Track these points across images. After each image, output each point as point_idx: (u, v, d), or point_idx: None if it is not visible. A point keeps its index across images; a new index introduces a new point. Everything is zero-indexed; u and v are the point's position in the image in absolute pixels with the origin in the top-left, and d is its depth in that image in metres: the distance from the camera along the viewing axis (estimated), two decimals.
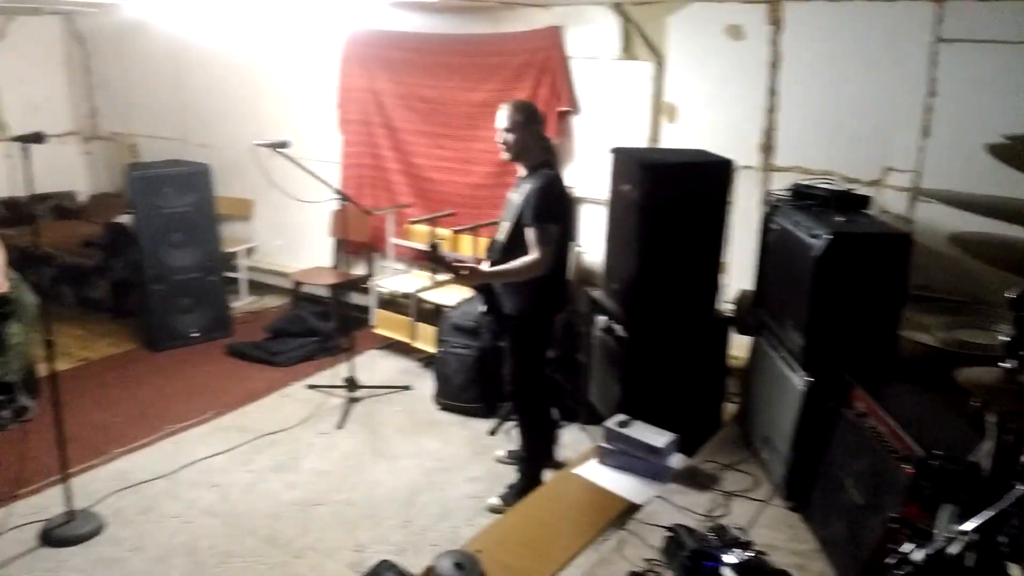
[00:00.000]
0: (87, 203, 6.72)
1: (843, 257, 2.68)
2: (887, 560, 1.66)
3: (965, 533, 1.53)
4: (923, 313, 3.18)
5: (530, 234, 3.11)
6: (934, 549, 1.55)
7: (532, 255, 3.09)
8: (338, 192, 4.17)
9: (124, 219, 5.62)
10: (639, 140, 4.35)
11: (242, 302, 5.99)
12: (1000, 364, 1.53)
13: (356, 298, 5.53)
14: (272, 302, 6.08)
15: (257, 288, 6.19)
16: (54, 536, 3.16)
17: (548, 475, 3.47)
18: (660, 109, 4.31)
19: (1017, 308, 1.54)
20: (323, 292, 5.60)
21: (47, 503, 3.36)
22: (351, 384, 4.39)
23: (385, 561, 2.42)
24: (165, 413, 4.25)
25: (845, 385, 2.60)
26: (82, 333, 5.29)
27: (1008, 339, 1.54)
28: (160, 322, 5.13)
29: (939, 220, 3.43)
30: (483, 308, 3.35)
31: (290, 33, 5.48)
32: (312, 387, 4.60)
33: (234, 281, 5.94)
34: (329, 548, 3.17)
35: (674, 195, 3.39)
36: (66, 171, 6.55)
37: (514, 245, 3.19)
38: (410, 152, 5.27)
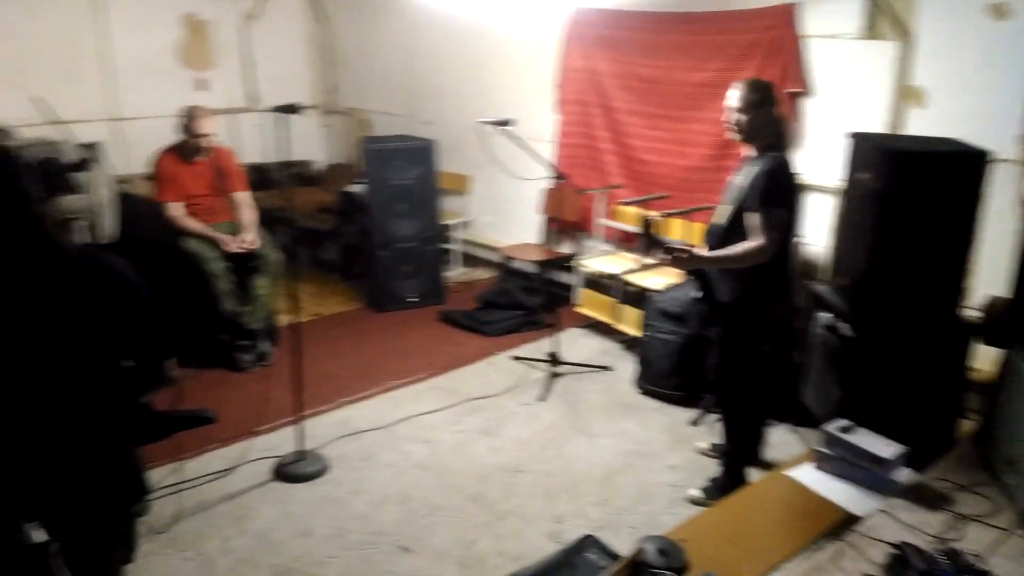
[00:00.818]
0: (323, 172, 7.34)
1: None
2: None
3: None
4: None
5: (754, 219, 2.97)
6: None
7: (755, 241, 2.96)
8: (554, 171, 4.23)
9: (355, 188, 6.08)
10: (877, 126, 4.02)
11: (455, 272, 6.30)
12: None
13: (562, 276, 5.62)
14: (482, 274, 6.34)
15: (469, 260, 6.48)
16: (285, 472, 3.51)
17: (753, 474, 3.36)
18: (905, 93, 3.96)
19: None
20: (530, 268, 5.75)
21: (280, 441, 3.73)
22: (554, 359, 4.48)
23: (589, 537, 2.45)
24: (385, 370, 4.58)
25: None
26: (315, 291, 5.81)
27: None
28: (383, 286, 5.51)
29: None
30: (697, 294, 3.27)
31: (514, 13, 5.62)
32: (517, 358, 4.75)
33: (449, 252, 6.25)
34: (529, 515, 3.27)
35: (919, 186, 3.09)
36: (307, 142, 7.18)
37: (733, 230, 3.07)
38: (625, 133, 5.25)
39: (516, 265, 5.79)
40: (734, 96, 3.08)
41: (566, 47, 5.42)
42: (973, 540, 2.46)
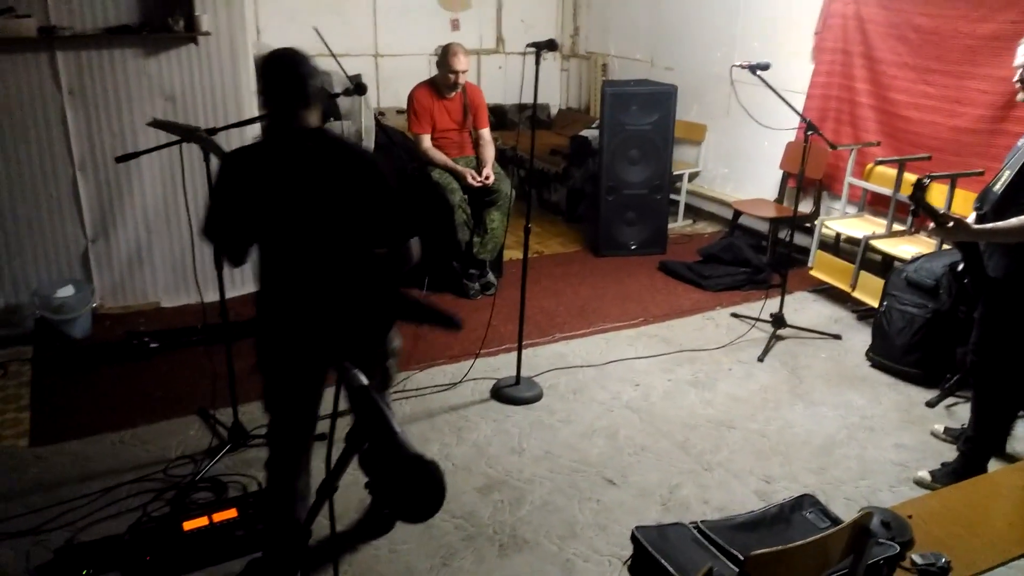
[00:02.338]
0: (557, 116, 7.48)
1: None
2: None
3: None
4: None
5: None
6: None
7: None
8: (807, 123, 3.99)
9: (588, 133, 6.15)
10: None
11: (679, 224, 6.20)
12: None
13: (797, 236, 5.33)
14: (705, 228, 6.19)
15: (694, 212, 6.35)
16: (503, 394, 3.71)
17: (993, 465, 3.05)
18: None
19: None
20: (761, 225, 5.52)
21: (500, 365, 3.95)
22: (778, 321, 4.30)
23: (809, 496, 2.37)
24: (600, 311, 4.66)
25: None
26: (539, 230, 6.00)
27: None
28: (605, 230, 5.56)
29: None
30: (960, 266, 2.97)
31: None
32: (736, 316, 4.62)
33: (675, 203, 6.15)
34: (737, 470, 3.21)
35: None
36: (544, 85, 7.33)
37: (1014, 199, 2.74)
38: (888, 86, 4.83)
39: (745, 221, 5.57)
40: None
41: None
42: None
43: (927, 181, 2.85)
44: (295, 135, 2.20)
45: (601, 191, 5.50)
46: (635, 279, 5.18)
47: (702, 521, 2.35)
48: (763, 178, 5.64)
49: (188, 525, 2.63)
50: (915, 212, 2.82)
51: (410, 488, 1.14)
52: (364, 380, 1.23)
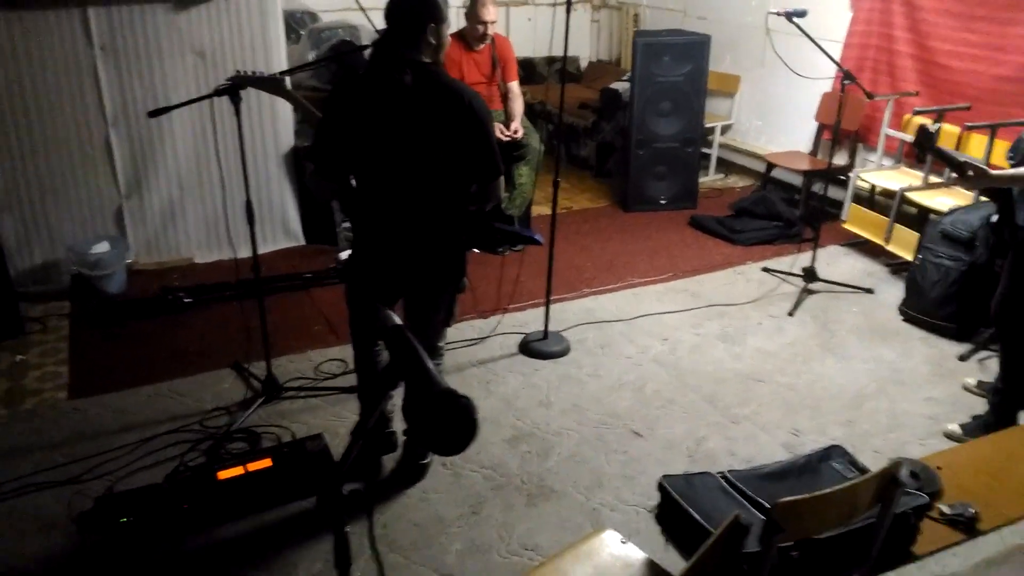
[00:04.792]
0: (587, 69, 7.36)
1: None
2: None
3: None
4: None
5: None
6: None
7: None
8: (844, 72, 3.89)
9: (618, 86, 6.05)
10: None
11: (709, 178, 6.12)
12: None
13: (830, 189, 5.24)
14: (737, 181, 6.10)
15: (725, 166, 6.25)
16: (531, 348, 3.73)
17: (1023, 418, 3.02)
18: None
19: None
20: (794, 178, 5.43)
21: (528, 320, 3.97)
22: (809, 275, 4.25)
23: (837, 446, 2.38)
24: (629, 266, 4.64)
25: None
26: (567, 185, 5.95)
27: None
28: (635, 185, 5.50)
29: None
30: (994, 217, 2.91)
31: None
32: (767, 270, 4.58)
33: (706, 156, 6.06)
34: (765, 423, 3.22)
35: None
36: (574, 37, 7.18)
37: None
38: (928, 34, 4.68)
39: (778, 174, 5.48)
40: None
41: None
42: None
43: (933, 128, 2.75)
44: (397, 66, 2.30)
45: (631, 145, 5.43)
46: (664, 234, 5.14)
47: (729, 471, 2.38)
48: (797, 130, 5.52)
49: (223, 474, 2.70)
50: (921, 158, 2.75)
51: (443, 422, 1.17)
52: (397, 320, 1.26)
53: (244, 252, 4.04)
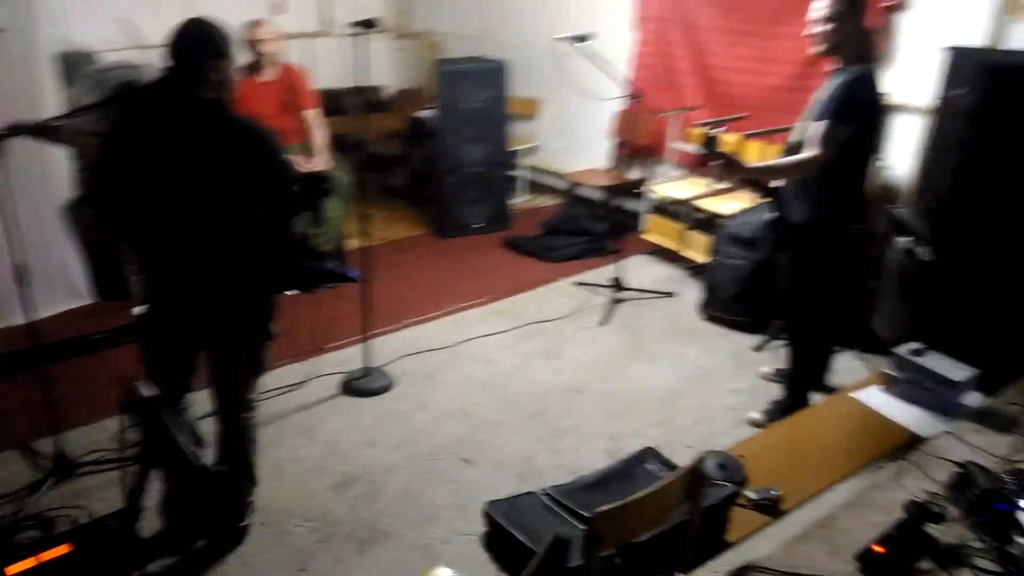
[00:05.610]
0: (394, 97, 7.34)
1: None
2: None
3: None
4: None
5: (817, 129, 2.81)
6: None
7: (810, 152, 2.80)
8: (627, 90, 4.12)
9: (425, 113, 6.08)
10: (977, 40, 3.75)
11: (521, 199, 6.27)
12: None
13: (630, 202, 5.54)
14: (548, 201, 6.30)
15: (536, 187, 6.44)
16: (353, 387, 3.62)
17: (816, 398, 3.30)
18: (1011, 5, 3.66)
19: None
20: (597, 194, 5.68)
21: (348, 358, 3.84)
22: (617, 285, 4.45)
23: (649, 448, 2.47)
24: (449, 292, 4.64)
25: None
26: (382, 216, 5.87)
27: None
28: (449, 211, 5.54)
29: None
30: (771, 215, 3.17)
31: None
32: (579, 284, 4.74)
33: (516, 179, 6.22)
34: (588, 433, 3.31)
35: (1014, 102, 2.91)
36: (378, 67, 7.15)
37: (804, 143, 2.95)
38: (706, 51, 5.06)
39: (582, 192, 5.72)
40: (821, 7, 2.92)
41: None
42: None
43: (714, 133, 2.99)
44: (176, 104, 2.23)
45: (441, 172, 5.47)
46: (481, 257, 5.20)
47: (551, 487, 2.40)
48: (597, 149, 5.78)
49: (12, 570, 2.39)
50: (705, 163, 2.96)
51: (198, 501, 1.07)
52: (150, 392, 1.14)
53: (24, 318, 3.62)
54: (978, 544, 2.05)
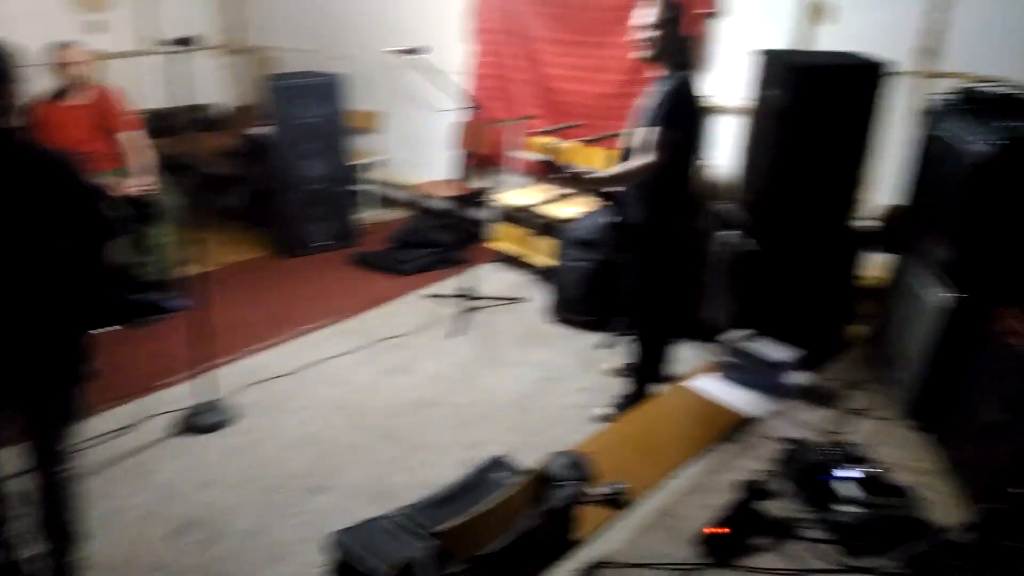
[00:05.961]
0: (228, 115, 7.02)
1: (1011, 164, 2.40)
2: None
3: None
4: None
5: (649, 135, 2.96)
6: None
7: (644, 158, 2.94)
8: (465, 101, 4.13)
9: (261, 130, 5.84)
10: (784, 43, 4.03)
11: (368, 213, 6.15)
12: None
13: (477, 211, 5.55)
14: (396, 214, 6.21)
15: (384, 200, 6.34)
16: (191, 424, 3.38)
17: (658, 389, 3.41)
18: (813, 10, 3.96)
19: None
20: (444, 205, 5.66)
21: (184, 395, 3.58)
22: (468, 295, 4.45)
23: (497, 457, 2.45)
24: (295, 315, 4.47)
25: (993, 302, 2.36)
26: (222, 239, 5.58)
27: None
28: (292, 230, 5.35)
29: None
30: (612, 219, 3.28)
31: None
32: (431, 296, 4.70)
33: (361, 193, 6.09)
34: (442, 446, 3.26)
35: (817, 100, 3.13)
36: (210, 84, 6.83)
37: (638, 148, 3.07)
38: (540, 62, 5.16)
39: (430, 203, 5.69)
40: (647, 14, 3.04)
41: None
42: (860, 432, 2.56)
43: (557, 147, 3.09)
44: None
45: (281, 190, 5.27)
46: (329, 276, 5.05)
47: (401, 508, 2.34)
48: (443, 160, 5.77)
49: None
50: (554, 174, 3.04)
51: None
52: None
53: None
54: (806, 515, 2.18)
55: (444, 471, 3.05)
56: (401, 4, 5.76)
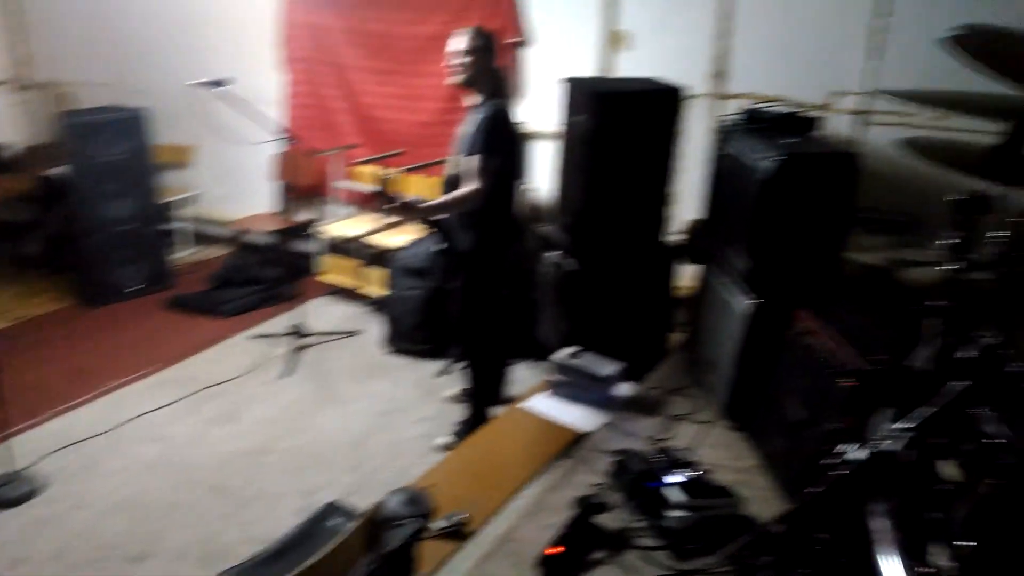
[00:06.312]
0: (19, 156, 6.40)
1: (792, 178, 2.64)
2: (823, 462, 1.65)
3: (904, 431, 1.52)
4: (870, 234, 3.17)
5: (471, 164, 3.03)
6: (873, 448, 1.55)
7: (470, 185, 3.02)
8: (279, 132, 4.00)
9: (57, 171, 5.37)
10: (590, 70, 4.23)
11: (184, 253, 5.80)
12: (942, 267, 1.49)
13: (303, 244, 5.39)
14: (216, 252, 5.90)
15: (202, 238, 6.00)
16: None
17: (497, 413, 3.45)
18: (613, 38, 4.18)
19: (962, 211, 1.50)
20: (267, 239, 5.45)
21: None
22: (297, 332, 4.29)
23: (331, 504, 2.36)
24: (105, 369, 4.10)
25: (788, 306, 2.58)
26: (17, 291, 5.09)
27: (952, 241, 1.49)
28: (98, 276, 4.93)
29: (888, 142, 3.40)
30: (440, 246, 3.30)
31: None
32: (257, 336, 4.49)
33: (174, 232, 5.74)
34: (277, 494, 3.11)
35: (622, 124, 3.31)
36: None
37: (462, 177, 3.11)
38: (357, 91, 5.11)
39: (252, 238, 5.46)
40: (461, 40, 3.10)
41: (288, 2, 5.14)
42: (683, 437, 2.70)
43: (388, 178, 3.12)
44: None
45: (85, 233, 4.85)
46: (142, 323, 4.70)
47: (228, 569, 2.20)
48: (263, 193, 5.55)
49: None
50: (386, 206, 3.05)
51: None
52: None
53: None
54: (639, 524, 2.26)
55: (280, 523, 2.89)
56: (206, 33, 5.51)
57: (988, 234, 1.53)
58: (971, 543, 1.38)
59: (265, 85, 5.23)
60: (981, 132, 1.62)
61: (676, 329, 3.67)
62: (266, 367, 4.15)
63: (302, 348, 4.27)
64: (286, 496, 3.09)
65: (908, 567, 1.46)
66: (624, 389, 3.00)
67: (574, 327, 3.40)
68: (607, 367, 2.96)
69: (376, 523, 2.06)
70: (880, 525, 1.50)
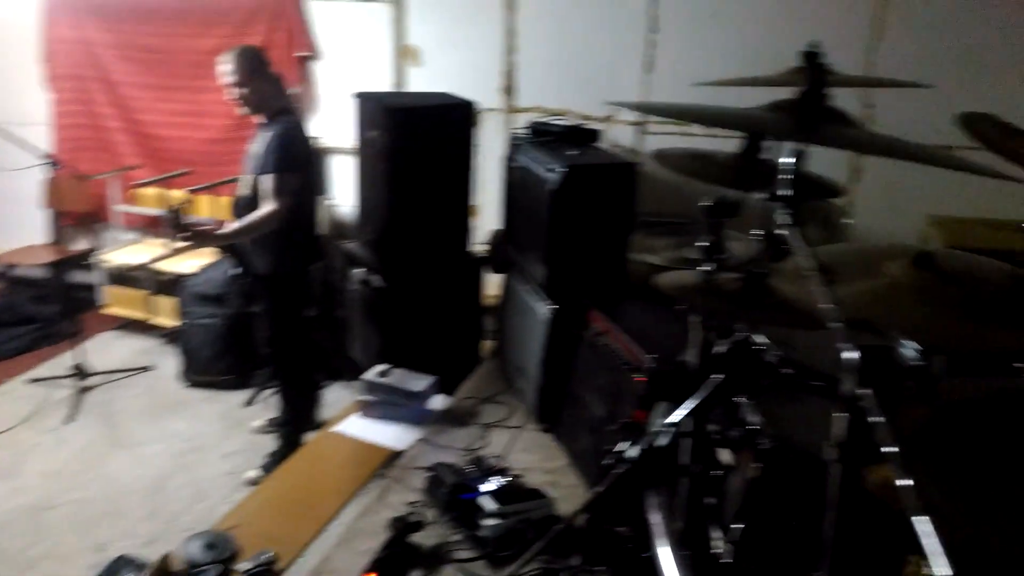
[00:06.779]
0: None
1: (576, 188, 2.79)
2: (604, 461, 1.76)
3: (672, 425, 1.65)
4: (652, 237, 3.40)
5: (267, 183, 2.93)
6: (646, 444, 1.67)
7: (267, 207, 2.93)
8: (43, 156, 3.64)
9: None
10: (385, 85, 4.22)
11: None
12: (699, 268, 1.64)
13: (82, 276, 4.93)
14: None
15: None
16: None
17: (310, 438, 3.35)
18: (403, 52, 4.19)
19: (711, 215, 1.66)
20: (40, 272, 4.94)
21: None
22: (80, 372, 3.92)
23: (121, 557, 2.18)
24: None
25: (584, 309, 2.72)
26: None
27: (705, 244, 1.64)
28: None
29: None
30: (236, 271, 3.15)
31: None
32: (34, 380, 4.06)
33: None
34: (66, 553, 2.82)
35: (418, 139, 3.34)
36: None
37: (256, 202, 3.00)
38: (134, 108, 4.76)
39: (22, 272, 4.92)
40: (226, 69, 2.98)
41: (49, 15, 4.69)
42: (496, 444, 2.77)
43: (179, 203, 2.95)
44: None
45: None
46: None
47: None
48: (31, 222, 5.02)
49: None
50: (176, 232, 2.87)
51: None
52: None
53: None
54: (455, 538, 2.27)
55: None
56: None
57: (739, 236, 1.71)
58: (741, 525, 1.53)
59: (29, 105, 4.74)
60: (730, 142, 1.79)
61: (487, 337, 3.75)
62: (47, 413, 3.76)
63: (87, 389, 3.91)
64: (77, 553, 2.81)
65: (676, 555, 1.59)
66: (437, 402, 3.02)
67: (385, 344, 3.38)
68: (419, 382, 2.96)
69: (171, 573, 1.92)
70: (655, 517, 1.62)
